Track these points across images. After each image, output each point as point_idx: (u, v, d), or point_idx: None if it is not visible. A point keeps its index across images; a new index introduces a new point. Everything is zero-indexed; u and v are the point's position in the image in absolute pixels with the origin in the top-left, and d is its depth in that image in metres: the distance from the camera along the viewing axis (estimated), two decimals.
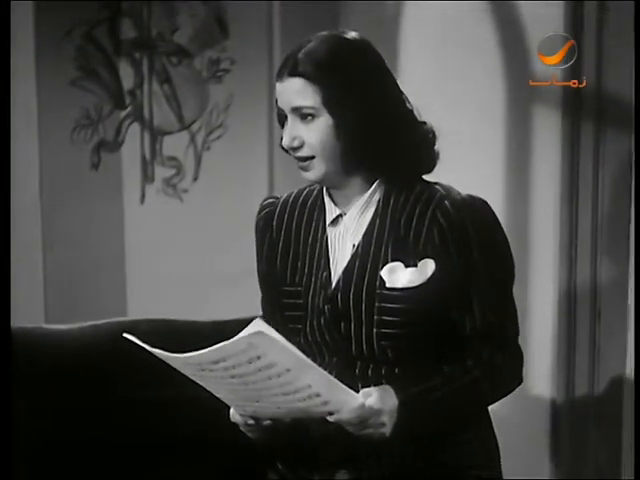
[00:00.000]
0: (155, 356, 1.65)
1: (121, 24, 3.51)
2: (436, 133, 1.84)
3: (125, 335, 1.67)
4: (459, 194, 1.79)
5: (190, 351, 1.62)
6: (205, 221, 3.57)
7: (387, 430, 1.70)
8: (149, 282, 3.54)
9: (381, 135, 1.77)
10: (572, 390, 2.98)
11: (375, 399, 1.69)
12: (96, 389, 2.23)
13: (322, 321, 1.82)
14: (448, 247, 1.76)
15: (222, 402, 1.74)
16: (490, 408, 1.88)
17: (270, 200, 1.95)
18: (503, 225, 1.82)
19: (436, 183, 1.83)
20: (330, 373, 1.70)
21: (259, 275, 1.95)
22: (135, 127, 3.57)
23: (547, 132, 2.96)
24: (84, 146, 3.53)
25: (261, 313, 1.96)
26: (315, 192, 1.89)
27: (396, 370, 1.79)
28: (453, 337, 1.81)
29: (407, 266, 1.77)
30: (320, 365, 1.70)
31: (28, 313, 3.24)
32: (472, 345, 1.80)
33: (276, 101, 1.81)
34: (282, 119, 1.81)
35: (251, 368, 1.60)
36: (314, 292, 1.83)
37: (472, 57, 3.03)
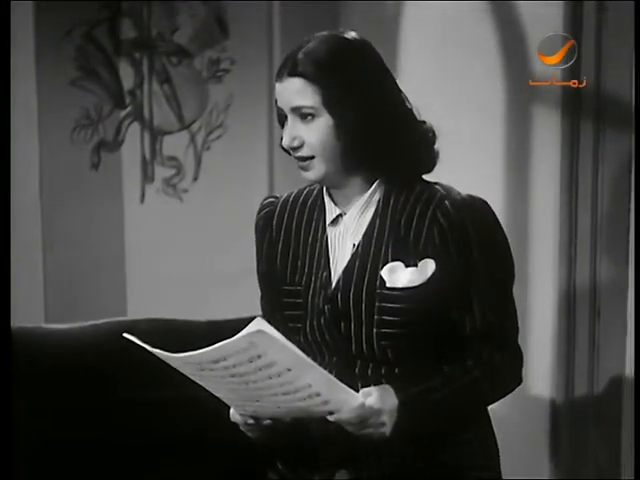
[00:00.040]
0: (155, 356, 1.65)
1: (121, 24, 3.51)
2: (436, 132, 1.84)
3: (125, 335, 1.67)
4: (459, 194, 1.79)
5: (190, 351, 1.62)
6: (205, 221, 3.57)
7: (387, 430, 1.70)
8: (149, 282, 3.54)
9: (381, 135, 1.77)
10: (571, 390, 2.98)
11: (375, 399, 1.69)
12: (96, 389, 2.23)
13: (322, 321, 1.82)
14: (448, 247, 1.77)
15: (222, 402, 1.74)
16: (490, 408, 1.88)
17: (270, 200, 1.95)
18: (503, 225, 1.82)
19: (436, 183, 1.83)
20: (330, 372, 1.70)
21: (259, 274, 1.95)
22: (135, 127, 3.57)
23: (547, 132, 2.96)
24: (84, 146, 3.53)
25: (261, 313, 1.96)
26: (315, 192, 1.90)
27: (396, 370, 1.80)
28: (453, 337, 1.81)
29: (407, 266, 1.77)
30: (320, 364, 1.71)
31: (28, 313, 3.24)
32: (472, 345, 1.80)
33: (276, 101, 1.81)
34: (282, 119, 1.81)
35: (251, 367, 1.60)
36: (314, 291, 1.83)
37: (472, 57, 3.04)
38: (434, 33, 3.12)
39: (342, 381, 1.67)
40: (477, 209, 1.78)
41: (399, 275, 1.77)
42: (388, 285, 1.77)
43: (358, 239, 1.82)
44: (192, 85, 3.56)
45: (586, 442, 2.95)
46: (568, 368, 2.97)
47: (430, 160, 1.83)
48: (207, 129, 3.58)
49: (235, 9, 3.51)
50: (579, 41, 2.80)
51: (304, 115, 1.77)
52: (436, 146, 1.83)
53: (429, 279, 1.77)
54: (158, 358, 1.66)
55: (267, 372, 1.61)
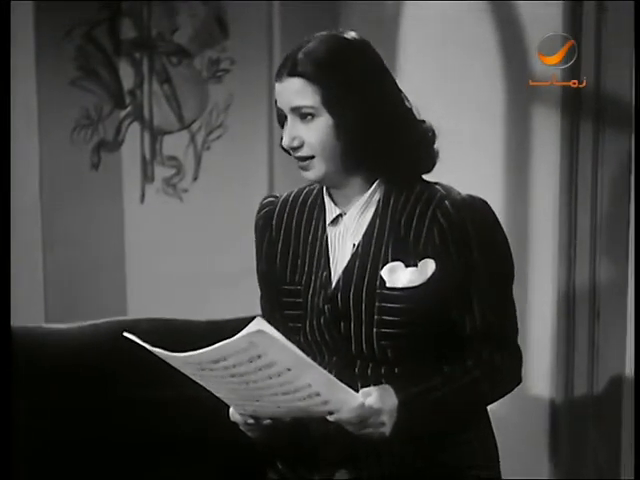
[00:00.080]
0: (155, 355, 1.65)
1: (121, 24, 3.51)
2: (435, 132, 1.84)
3: (126, 334, 1.67)
4: (459, 194, 1.79)
5: (190, 350, 1.62)
6: (205, 221, 3.57)
7: (387, 430, 1.71)
8: (149, 282, 3.54)
9: (381, 134, 1.77)
10: (571, 390, 2.98)
11: (375, 398, 1.69)
12: (96, 389, 2.23)
13: (322, 320, 1.82)
14: (448, 247, 1.77)
15: (222, 401, 1.75)
16: (489, 408, 1.88)
17: (270, 199, 1.95)
18: (502, 225, 1.82)
19: (436, 183, 1.83)
20: (330, 372, 1.70)
21: (259, 274, 1.95)
22: (135, 127, 3.57)
23: (546, 132, 2.96)
24: (84, 146, 3.53)
25: (260, 312, 1.96)
26: (315, 191, 1.90)
27: (396, 370, 1.80)
28: (453, 337, 1.81)
29: (407, 266, 1.78)
30: (320, 364, 1.71)
31: (28, 313, 3.24)
32: (472, 345, 1.80)
33: (275, 102, 1.81)
34: (282, 119, 1.81)
35: (251, 367, 1.60)
36: (314, 291, 1.83)
37: (472, 57, 3.04)
38: (434, 33, 3.12)
39: (342, 381, 1.67)
40: (477, 209, 1.78)
41: (399, 275, 1.77)
42: (388, 285, 1.77)
43: (358, 239, 1.82)
44: (192, 85, 3.56)
45: (586, 442, 2.95)
46: (568, 368, 2.97)
47: (430, 160, 1.84)
48: (207, 129, 3.58)
49: (235, 9, 3.52)
50: (579, 41, 2.80)
51: (304, 115, 1.77)
52: (436, 145, 1.84)
53: (429, 279, 1.77)
54: (158, 358, 1.66)
55: (267, 372, 1.61)
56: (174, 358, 1.64)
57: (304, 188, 1.93)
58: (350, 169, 1.80)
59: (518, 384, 1.86)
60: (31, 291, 3.43)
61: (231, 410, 1.79)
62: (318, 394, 1.64)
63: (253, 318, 1.73)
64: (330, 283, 1.82)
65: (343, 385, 1.66)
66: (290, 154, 1.81)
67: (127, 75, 3.54)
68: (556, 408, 3.02)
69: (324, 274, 1.83)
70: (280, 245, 1.90)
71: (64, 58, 3.46)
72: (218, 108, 3.57)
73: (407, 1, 3.22)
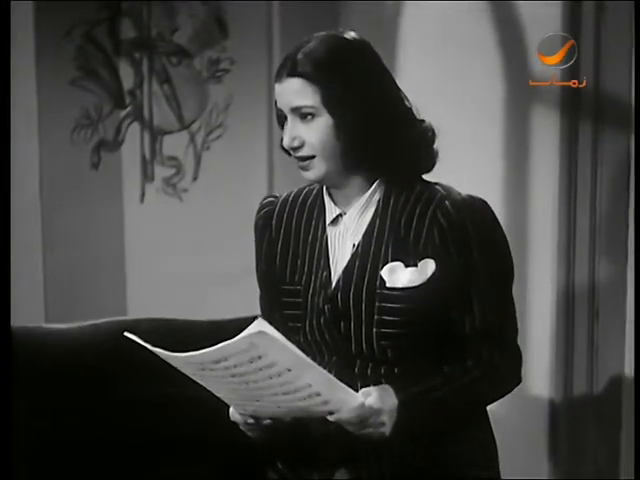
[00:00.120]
0: (155, 355, 1.65)
1: (121, 24, 3.51)
2: (435, 131, 1.84)
3: (126, 334, 1.68)
4: (459, 194, 1.80)
5: (190, 350, 1.62)
6: (205, 220, 3.57)
7: (387, 430, 1.71)
8: (149, 282, 3.54)
9: (381, 134, 1.77)
10: (570, 390, 2.98)
11: (375, 398, 1.70)
12: (96, 389, 2.23)
13: (322, 320, 1.82)
14: (448, 247, 1.77)
15: (222, 401, 1.75)
16: (489, 408, 1.88)
17: (270, 199, 1.95)
18: (502, 225, 1.83)
19: (436, 183, 1.83)
20: (329, 372, 1.70)
21: (258, 274, 1.96)
22: (135, 127, 3.57)
23: (546, 132, 2.96)
24: (84, 146, 3.53)
25: (260, 312, 1.96)
26: (315, 191, 1.90)
27: (396, 370, 1.80)
28: (453, 337, 1.81)
29: (407, 266, 1.78)
30: (320, 364, 1.71)
31: (28, 313, 3.24)
32: (472, 345, 1.80)
33: (275, 102, 1.81)
34: (282, 120, 1.81)
35: (252, 367, 1.60)
36: (314, 291, 1.84)
37: (472, 57, 3.04)
38: (434, 33, 3.12)
39: (342, 381, 1.67)
40: (477, 209, 1.78)
41: (399, 275, 1.77)
42: (388, 285, 1.77)
43: (358, 239, 1.82)
44: (192, 85, 3.56)
45: (585, 442, 2.95)
46: (567, 368, 2.97)
47: (430, 159, 1.84)
48: (207, 129, 3.58)
49: (235, 9, 3.51)
50: (578, 41, 2.80)
51: (304, 115, 1.77)
52: (435, 145, 1.84)
53: (429, 279, 1.77)
54: (158, 358, 1.66)
55: (267, 372, 1.61)
56: (175, 358, 1.65)
57: (304, 188, 1.93)
58: (350, 169, 1.80)
59: (518, 384, 1.86)
60: (31, 291, 3.43)
61: (231, 410, 1.79)
62: (318, 394, 1.64)
63: (253, 318, 1.73)
64: (330, 283, 1.82)
65: (343, 385, 1.67)
66: (290, 155, 1.81)
67: (127, 75, 3.54)
68: (555, 408, 3.02)
69: (324, 274, 1.83)
70: (280, 245, 1.90)
71: (64, 58, 3.46)
72: (218, 108, 3.57)
73: (407, 1, 3.22)
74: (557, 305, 2.99)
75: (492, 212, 1.80)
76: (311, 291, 1.84)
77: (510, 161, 3.04)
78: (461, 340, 1.81)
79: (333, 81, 1.75)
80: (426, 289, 1.77)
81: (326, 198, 1.86)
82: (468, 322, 1.80)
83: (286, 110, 1.79)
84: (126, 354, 1.92)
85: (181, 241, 3.56)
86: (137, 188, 3.58)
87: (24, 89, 3.36)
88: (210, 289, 3.48)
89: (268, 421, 1.75)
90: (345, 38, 1.80)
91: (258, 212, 1.95)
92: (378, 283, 1.78)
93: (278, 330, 1.64)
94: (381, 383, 1.76)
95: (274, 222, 1.91)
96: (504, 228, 1.83)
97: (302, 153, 1.79)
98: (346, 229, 1.83)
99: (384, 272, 1.78)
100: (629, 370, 2.79)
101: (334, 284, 1.82)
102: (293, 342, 1.66)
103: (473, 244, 1.77)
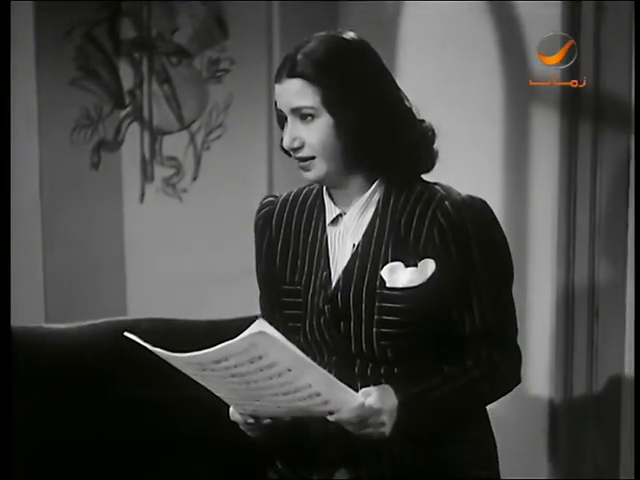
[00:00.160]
0: (155, 356, 1.65)
1: (121, 24, 3.51)
2: (435, 131, 1.84)
3: (126, 334, 1.68)
4: (459, 194, 1.80)
5: (190, 350, 1.62)
6: (205, 221, 3.57)
7: (387, 430, 1.71)
8: (149, 282, 3.54)
9: (381, 134, 1.77)
10: (570, 390, 2.98)
11: (375, 398, 1.70)
12: (96, 389, 2.23)
13: (322, 320, 1.82)
14: (448, 247, 1.77)
15: (222, 401, 1.75)
16: (488, 408, 1.88)
17: (270, 199, 1.95)
18: (501, 225, 1.83)
19: (436, 183, 1.83)
20: (329, 372, 1.70)
21: (258, 274, 1.96)
22: (135, 127, 3.57)
23: (546, 132, 2.96)
24: (84, 146, 3.53)
25: (260, 312, 1.96)
26: (315, 191, 1.90)
27: (395, 370, 1.80)
28: (453, 337, 1.81)
29: (407, 266, 1.78)
30: (319, 364, 1.71)
31: (28, 313, 3.24)
32: (471, 345, 1.80)
33: (275, 103, 1.81)
34: (282, 121, 1.81)
35: (252, 368, 1.60)
36: (314, 291, 1.84)
37: (472, 57, 3.04)
38: (434, 33, 3.12)
39: (342, 381, 1.67)
40: (477, 209, 1.78)
41: (399, 275, 1.77)
42: (388, 285, 1.78)
43: (358, 239, 1.82)
44: (192, 85, 3.56)
45: (585, 442, 2.95)
46: (567, 368, 2.97)
47: (429, 159, 1.84)
48: (207, 129, 3.58)
49: (235, 9, 3.51)
50: (578, 41, 2.80)
51: (304, 115, 1.77)
52: (435, 145, 1.84)
53: (429, 279, 1.77)
54: (158, 358, 1.66)
55: (268, 372, 1.61)
56: (175, 358, 1.65)
57: (304, 188, 1.93)
58: (350, 169, 1.80)
59: (517, 384, 1.87)
60: (31, 291, 3.43)
61: (231, 409, 1.79)
62: (318, 394, 1.64)
63: (254, 318, 1.73)
64: (330, 283, 1.82)
65: (343, 385, 1.67)
66: (290, 155, 1.81)
67: (127, 75, 3.54)
68: (555, 408, 3.02)
69: (324, 274, 1.83)
70: (280, 245, 1.90)
71: (64, 58, 3.46)
72: (218, 108, 3.57)
73: (407, 1, 3.23)
74: (557, 305, 2.99)
75: (492, 212, 1.81)
76: (311, 291, 1.84)
77: (510, 161, 3.04)
78: (461, 340, 1.81)
79: (333, 81, 1.75)
80: (426, 289, 1.77)
81: (326, 198, 1.86)
82: (468, 322, 1.80)
83: (286, 111, 1.79)
84: (126, 354, 1.92)
85: (181, 241, 3.56)
86: (137, 188, 3.58)
87: (24, 89, 3.36)
88: (210, 289, 3.48)
89: (268, 421, 1.75)
90: (345, 38, 1.80)
91: (258, 212, 1.95)
92: (378, 283, 1.78)
93: (278, 330, 1.64)
94: (381, 383, 1.76)
95: (274, 222, 1.91)
96: (504, 228, 1.83)
97: (302, 154, 1.79)
98: (346, 229, 1.84)
99: (384, 272, 1.78)
100: (629, 370, 2.79)
101: (334, 284, 1.82)
102: (293, 342, 1.66)
103: (473, 244, 1.77)
